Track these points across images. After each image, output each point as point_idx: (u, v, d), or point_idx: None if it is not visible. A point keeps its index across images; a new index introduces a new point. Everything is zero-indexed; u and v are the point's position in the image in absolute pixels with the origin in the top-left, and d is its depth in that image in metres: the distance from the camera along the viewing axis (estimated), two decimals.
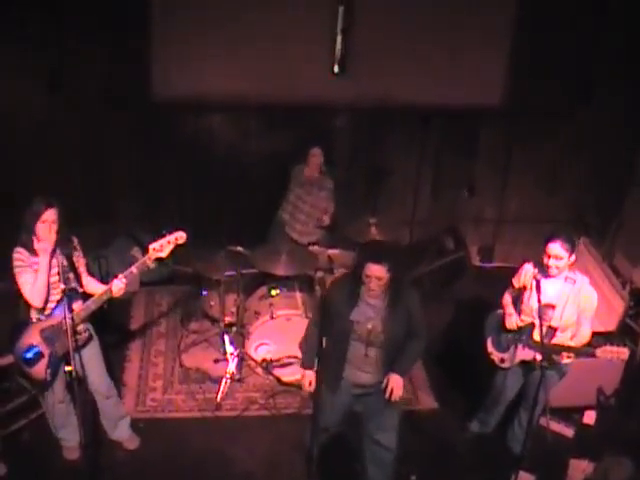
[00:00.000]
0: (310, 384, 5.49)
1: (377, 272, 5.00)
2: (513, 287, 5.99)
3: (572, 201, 9.17)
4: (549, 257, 5.50)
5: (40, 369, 5.56)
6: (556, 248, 5.45)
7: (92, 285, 5.70)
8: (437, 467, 6.43)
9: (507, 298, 6.04)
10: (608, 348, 5.58)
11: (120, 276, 5.51)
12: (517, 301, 5.96)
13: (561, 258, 5.47)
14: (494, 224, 9.43)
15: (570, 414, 6.96)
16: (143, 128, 8.27)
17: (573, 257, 5.53)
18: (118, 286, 5.49)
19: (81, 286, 5.60)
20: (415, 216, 9.26)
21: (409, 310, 5.28)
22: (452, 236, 8.89)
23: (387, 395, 5.30)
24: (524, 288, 5.83)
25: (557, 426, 6.77)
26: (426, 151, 8.89)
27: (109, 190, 8.58)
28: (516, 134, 8.80)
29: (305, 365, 5.58)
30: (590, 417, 7.02)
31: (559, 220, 8.45)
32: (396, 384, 5.30)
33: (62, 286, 5.17)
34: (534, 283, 5.45)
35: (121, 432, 6.45)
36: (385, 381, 5.33)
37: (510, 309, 5.96)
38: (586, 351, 5.71)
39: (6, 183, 7.74)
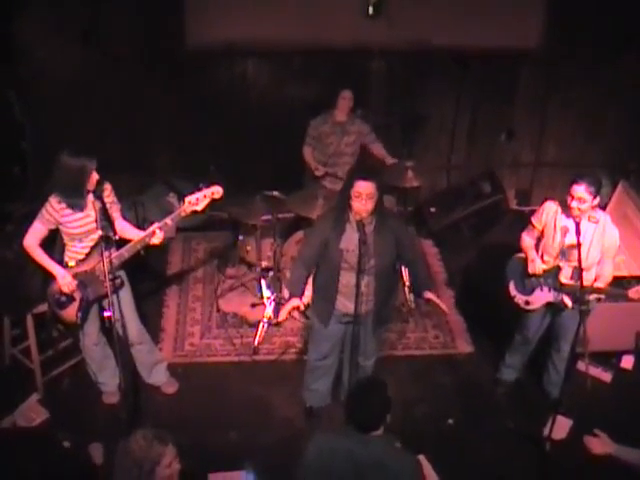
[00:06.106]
0: (298, 308, 5.57)
1: (367, 189, 4.99)
2: (533, 227, 5.88)
3: (611, 146, 9.00)
4: (572, 199, 5.41)
5: (71, 312, 5.65)
6: (580, 190, 5.36)
7: (127, 230, 5.74)
8: (474, 411, 6.46)
9: (528, 241, 5.94)
10: None
11: (155, 226, 5.55)
12: (538, 242, 5.88)
13: (585, 201, 5.37)
14: (532, 168, 9.32)
15: (608, 358, 6.94)
16: (178, 78, 8.25)
17: (597, 200, 5.43)
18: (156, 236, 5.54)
19: (115, 232, 5.63)
20: (452, 160, 9.20)
21: (397, 237, 5.31)
22: (489, 180, 8.79)
23: (443, 308, 5.59)
24: (545, 228, 5.76)
25: (595, 370, 6.72)
26: (463, 95, 8.77)
27: (146, 140, 8.59)
28: (555, 78, 8.62)
29: (292, 294, 5.54)
30: (628, 362, 7.00)
31: (598, 165, 8.32)
32: (437, 297, 5.51)
33: (99, 232, 5.19)
34: (574, 225, 5.39)
35: (157, 377, 6.53)
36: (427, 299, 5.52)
37: (532, 253, 5.85)
38: (618, 292, 5.69)
39: (44, 135, 7.80)
